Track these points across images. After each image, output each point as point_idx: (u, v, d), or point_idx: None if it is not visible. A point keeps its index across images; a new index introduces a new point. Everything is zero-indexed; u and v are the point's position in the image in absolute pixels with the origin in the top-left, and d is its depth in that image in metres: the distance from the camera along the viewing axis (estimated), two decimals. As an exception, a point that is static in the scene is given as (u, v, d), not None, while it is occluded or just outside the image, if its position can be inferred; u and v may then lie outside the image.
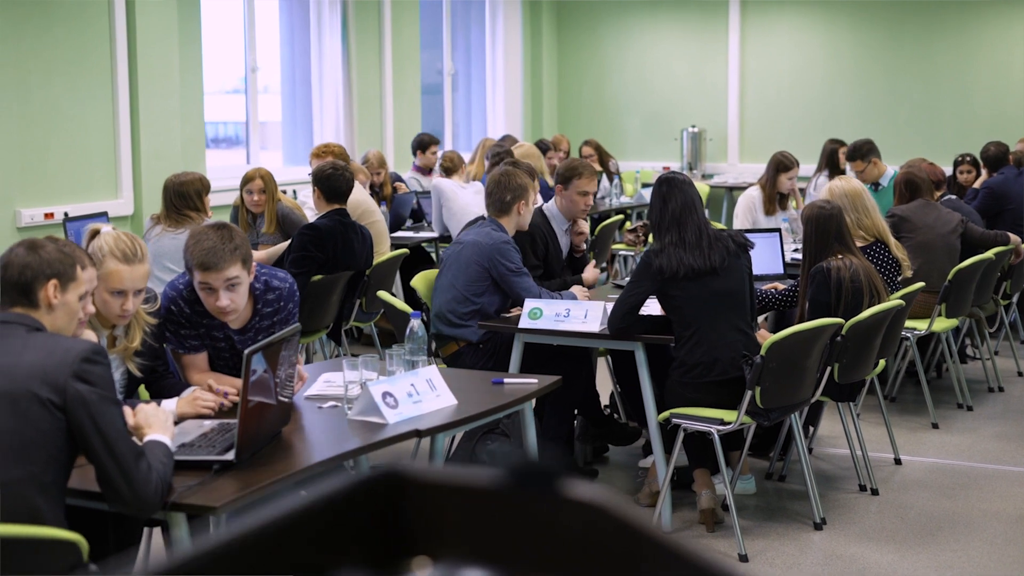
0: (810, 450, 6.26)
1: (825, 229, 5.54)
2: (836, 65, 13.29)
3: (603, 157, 11.46)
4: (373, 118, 11.58)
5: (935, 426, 6.92)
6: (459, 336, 5.79)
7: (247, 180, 7.38)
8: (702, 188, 12.47)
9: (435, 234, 8.86)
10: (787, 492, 5.87)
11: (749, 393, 5.00)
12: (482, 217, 6.14)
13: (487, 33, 13.78)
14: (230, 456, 3.41)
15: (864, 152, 9.02)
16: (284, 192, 7.79)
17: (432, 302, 5.96)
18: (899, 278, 6.15)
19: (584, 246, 6.49)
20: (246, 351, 3.37)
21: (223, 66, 10.88)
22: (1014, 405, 7.48)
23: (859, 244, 5.90)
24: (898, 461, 6.27)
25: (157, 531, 4.08)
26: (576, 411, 6.07)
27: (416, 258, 8.72)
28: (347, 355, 7.24)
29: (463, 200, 8.63)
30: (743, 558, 5.00)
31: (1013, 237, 7.64)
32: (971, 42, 12.77)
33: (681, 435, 5.16)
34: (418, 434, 3.83)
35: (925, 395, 7.02)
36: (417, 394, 4.02)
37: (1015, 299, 8.41)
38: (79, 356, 3.02)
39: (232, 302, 4.05)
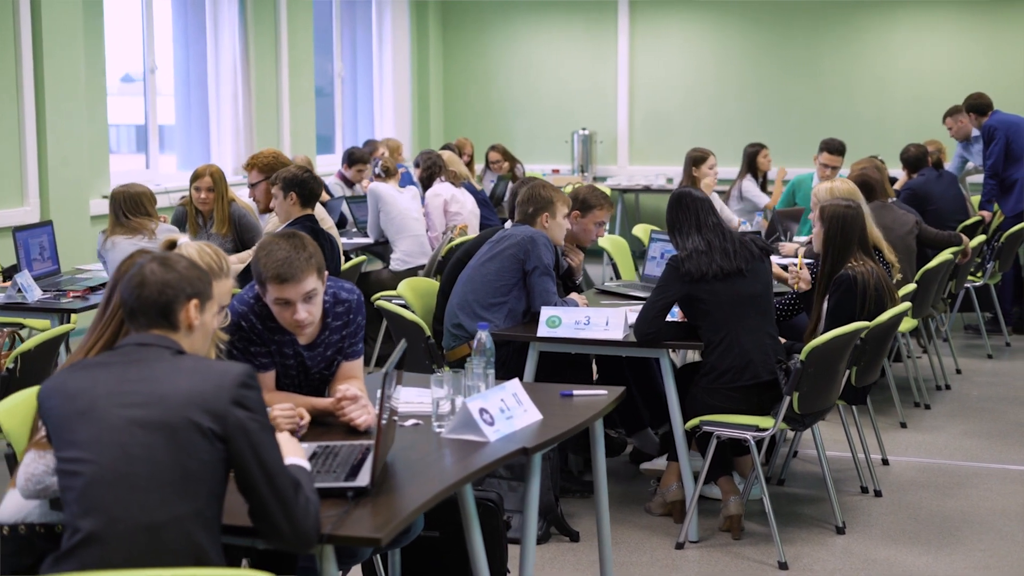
0: (795, 453, 6.25)
1: (851, 229, 5.44)
2: (725, 68, 13.41)
3: (511, 162, 11.34)
4: (270, 121, 11.24)
5: (903, 425, 6.99)
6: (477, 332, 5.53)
7: (196, 176, 7.18)
8: (600, 191, 12.44)
9: (370, 240, 8.60)
10: (792, 496, 5.84)
11: (787, 399, 4.94)
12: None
13: (374, 35, 13.52)
14: (363, 482, 3.18)
15: (844, 149, 9.11)
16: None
17: (452, 294, 5.74)
18: (893, 281, 6.17)
19: (581, 275, 6.36)
20: (384, 369, 3.16)
21: (118, 68, 10.40)
22: (966, 403, 7.60)
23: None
24: (885, 462, 6.30)
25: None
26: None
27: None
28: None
29: (402, 205, 8.41)
30: (783, 565, 4.93)
31: (964, 238, 7.78)
32: (855, 47, 13.02)
33: (714, 443, 5.07)
34: (525, 452, 3.66)
35: (893, 395, 7.09)
36: (508, 409, 3.85)
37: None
38: (236, 381, 2.77)
39: (310, 314, 3.80)
